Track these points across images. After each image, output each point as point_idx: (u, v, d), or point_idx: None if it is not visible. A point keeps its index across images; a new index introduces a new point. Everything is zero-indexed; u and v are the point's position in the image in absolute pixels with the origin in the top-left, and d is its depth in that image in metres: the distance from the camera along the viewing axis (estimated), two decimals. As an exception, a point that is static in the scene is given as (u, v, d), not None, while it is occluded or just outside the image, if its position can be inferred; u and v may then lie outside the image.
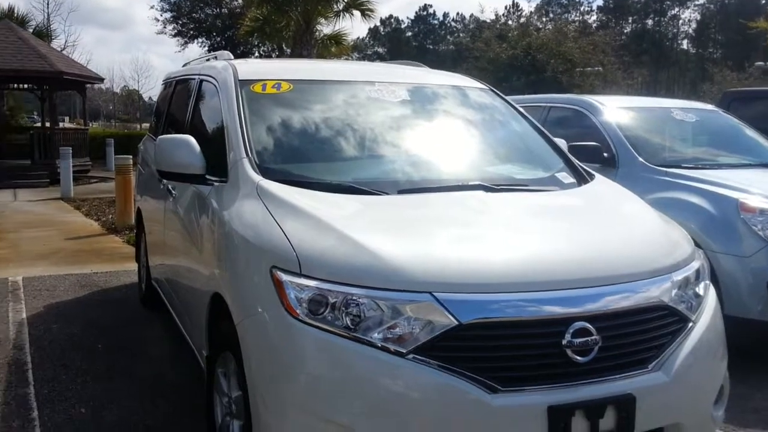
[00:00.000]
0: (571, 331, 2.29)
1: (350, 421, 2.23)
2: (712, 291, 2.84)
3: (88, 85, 21.54)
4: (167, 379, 4.17)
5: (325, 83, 3.77)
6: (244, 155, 3.10)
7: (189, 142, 3.30)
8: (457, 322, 2.22)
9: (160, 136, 3.60)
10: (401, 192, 2.97)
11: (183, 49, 34.82)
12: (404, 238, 2.50)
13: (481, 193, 3.01)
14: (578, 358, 2.30)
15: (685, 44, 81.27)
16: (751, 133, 6.23)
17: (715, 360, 2.70)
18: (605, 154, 5.48)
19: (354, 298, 2.28)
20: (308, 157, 3.35)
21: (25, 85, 21.08)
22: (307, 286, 2.33)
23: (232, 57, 4.22)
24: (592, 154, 5.31)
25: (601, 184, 3.48)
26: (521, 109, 4.08)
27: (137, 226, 6.14)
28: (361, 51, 73.86)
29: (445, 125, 3.79)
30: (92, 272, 6.99)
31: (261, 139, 3.27)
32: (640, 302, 2.45)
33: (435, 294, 2.25)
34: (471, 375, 2.20)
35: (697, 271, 2.74)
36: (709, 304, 2.73)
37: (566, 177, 3.45)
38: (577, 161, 3.70)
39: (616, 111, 5.94)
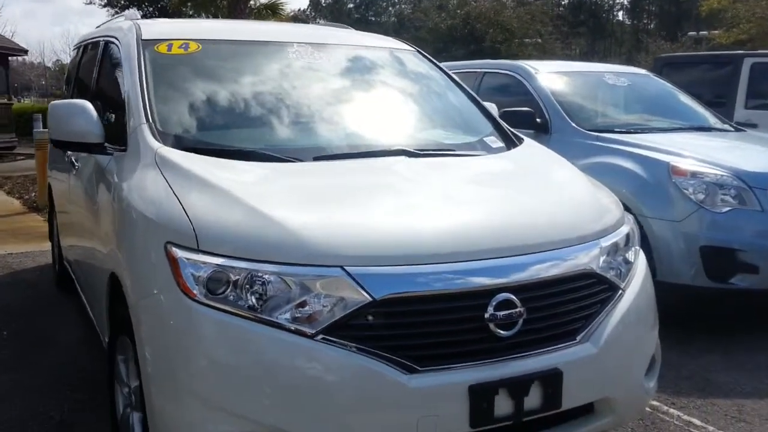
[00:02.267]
0: (493, 303, 2.12)
1: (255, 411, 2.02)
2: (642, 257, 2.72)
3: (12, 58, 20.48)
4: (77, 368, 3.87)
5: (237, 44, 3.49)
6: (144, 121, 2.83)
7: (85, 108, 3.00)
8: (370, 298, 2.03)
9: (52, 102, 3.29)
10: (317, 159, 2.76)
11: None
12: (314, 208, 2.29)
13: (403, 158, 2.83)
14: (501, 332, 2.13)
15: (620, 15, 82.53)
16: (682, 97, 6.20)
17: (646, 329, 2.57)
18: (538, 120, 5.37)
19: (258, 274, 2.06)
20: (216, 123, 3.08)
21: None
22: (205, 263, 2.10)
23: (139, 16, 3.89)
24: (525, 119, 5.19)
25: (529, 148, 3.33)
26: (449, 72, 3.88)
27: (50, 204, 5.76)
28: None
29: (368, 88, 3.57)
30: (7, 253, 6.58)
31: (164, 103, 2.99)
32: (566, 270, 2.29)
33: (346, 268, 2.05)
34: (386, 355, 2.02)
35: (627, 237, 2.60)
36: (639, 271, 2.60)
37: (495, 141, 3.28)
38: (506, 125, 3.53)
39: (549, 76, 5.81)
